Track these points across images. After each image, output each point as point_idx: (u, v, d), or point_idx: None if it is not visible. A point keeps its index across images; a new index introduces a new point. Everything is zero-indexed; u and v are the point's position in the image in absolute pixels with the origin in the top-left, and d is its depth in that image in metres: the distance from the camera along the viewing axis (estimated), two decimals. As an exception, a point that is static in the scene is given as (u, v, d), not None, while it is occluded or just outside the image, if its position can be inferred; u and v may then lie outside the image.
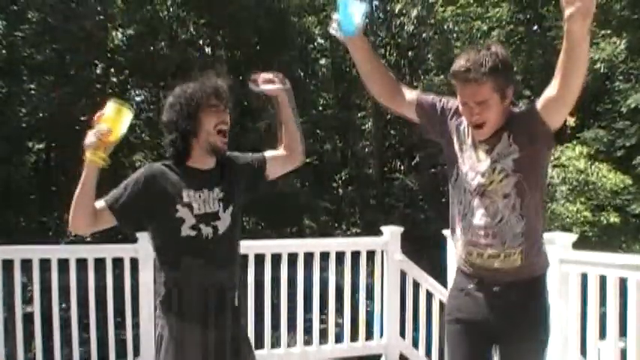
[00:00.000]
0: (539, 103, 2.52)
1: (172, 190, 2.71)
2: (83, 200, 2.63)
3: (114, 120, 2.61)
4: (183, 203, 2.69)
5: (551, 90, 2.45)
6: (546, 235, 3.00)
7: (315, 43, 20.96)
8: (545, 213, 2.77)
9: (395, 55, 21.14)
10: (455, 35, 17.86)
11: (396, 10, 19.14)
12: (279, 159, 2.99)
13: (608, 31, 13.29)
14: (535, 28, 16.03)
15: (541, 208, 2.70)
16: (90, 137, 2.57)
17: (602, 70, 12.76)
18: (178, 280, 2.70)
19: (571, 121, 11.04)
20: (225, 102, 2.77)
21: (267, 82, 2.83)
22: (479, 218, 2.63)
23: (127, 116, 2.64)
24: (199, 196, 2.71)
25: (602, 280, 4.01)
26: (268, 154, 2.99)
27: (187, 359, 2.65)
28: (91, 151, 2.57)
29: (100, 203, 2.70)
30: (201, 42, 17.41)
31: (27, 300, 5.17)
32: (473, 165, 2.64)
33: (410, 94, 2.81)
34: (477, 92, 2.49)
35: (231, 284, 2.76)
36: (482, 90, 2.48)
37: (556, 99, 2.44)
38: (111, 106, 2.62)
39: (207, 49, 17.72)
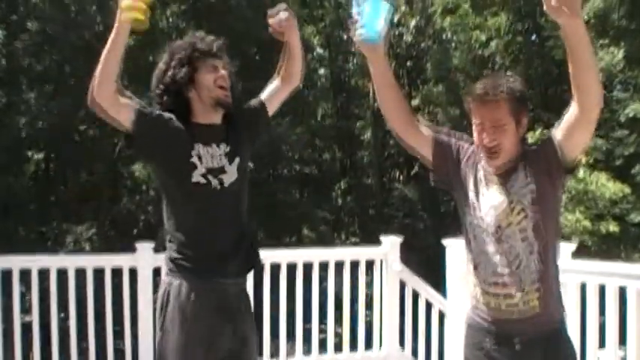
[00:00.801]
0: (558, 130, 2.42)
1: (187, 137, 2.71)
2: (112, 62, 2.55)
3: None
4: (195, 152, 2.70)
5: (569, 110, 2.36)
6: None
7: (314, 53, 21.05)
8: (558, 253, 2.59)
9: (394, 65, 21.16)
10: (453, 45, 17.93)
11: (395, 20, 19.21)
12: (275, 93, 3.00)
13: (606, 41, 13.34)
14: (533, 37, 16.10)
15: (556, 246, 2.55)
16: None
17: (600, 80, 12.80)
18: (187, 231, 2.70)
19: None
20: (221, 59, 2.78)
21: (279, 25, 2.82)
22: (496, 265, 2.48)
23: None
24: (207, 151, 2.72)
25: (602, 289, 4.01)
26: (264, 95, 2.98)
27: (196, 322, 2.64)
28: (128, 10, 2.48)
29: (126, 99, 2.66)
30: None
31: (26, 309, 5.16)
32: (489, 206, 2.50)
33: (425, 128, 2.67)
34: (494, 112, 2.41)
35: (238, 236, 2.76)
36: (499, 110, 2.41)
37: (575, 115, 2.33)
38: None
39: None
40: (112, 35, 2.56)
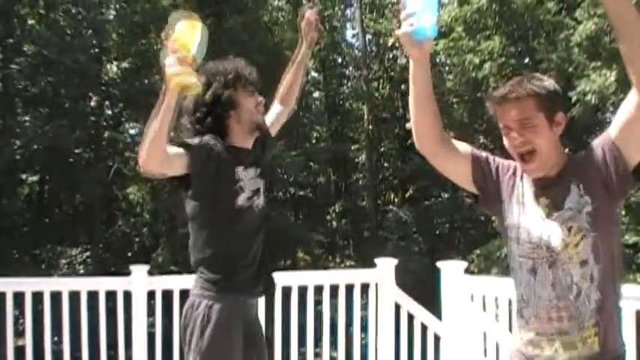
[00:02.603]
0: (613, 126, 2.07)
1: (231, 161, 2.73)
2: (163, 129, 2.43)
3: (184, 35, 2.37)
4: (238, 177, 2.74)
5: (626, 100, 2.04)
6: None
7: (309, 77, 21.15)
8: (620, 279, 2.19)
9: (388, 88, 21.32)
10: (447, 68, 18.05)
11: (389, 44, 19.35)
12: (277, 118, 3.09)
13: (599, 63, 13.45)
14: (527, 60, 16.20)
15: (618, 271, 2.15)
16: (169, 60, 2.35)
17: (593, 102, 12.89)
18: (228, 252, 2.73)
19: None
20: (255, 85, 2.83)
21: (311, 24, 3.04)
22: (548, 297, 2.09)
23: (198, 28, 2.41)
24: (246, 175, 2.76)
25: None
26: (269, 119, 3.03)
27: (234, 339, 2.69)
28: (175, 74, 2.32)
29: (172, 148, 2.56)
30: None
31: (19, 333, 5.13)
32: (539, 228, 2.12)
33: (461, 144, 2.29)
34: (517, 109, 2.09)
35: (263, 256, 2.86)
36: (524, 106, 2.09)
37: (635, 100, 1.98)
38: (178, 23, 2.40)
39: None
40: (165, 103, 2.42)
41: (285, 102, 3.10)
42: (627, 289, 4.22)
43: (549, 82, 2.16)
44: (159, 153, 2.48)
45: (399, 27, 2.06)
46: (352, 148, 21.09)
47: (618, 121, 2.05)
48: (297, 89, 3.13)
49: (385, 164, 21.72)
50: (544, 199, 2.13)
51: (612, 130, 2.06)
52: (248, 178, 2.76)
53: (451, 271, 4.59)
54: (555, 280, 2.08)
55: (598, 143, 2.10)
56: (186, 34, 2.38)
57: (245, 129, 2.79)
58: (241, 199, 2.72)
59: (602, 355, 2.06)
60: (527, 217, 2.14)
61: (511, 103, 2.10)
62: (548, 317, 2.09)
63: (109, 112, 17.24)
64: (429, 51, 2.14)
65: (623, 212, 12.70)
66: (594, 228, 2.05)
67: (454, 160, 2.27)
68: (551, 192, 2.12)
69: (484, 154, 2.29)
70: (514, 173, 2.22)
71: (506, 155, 2.23)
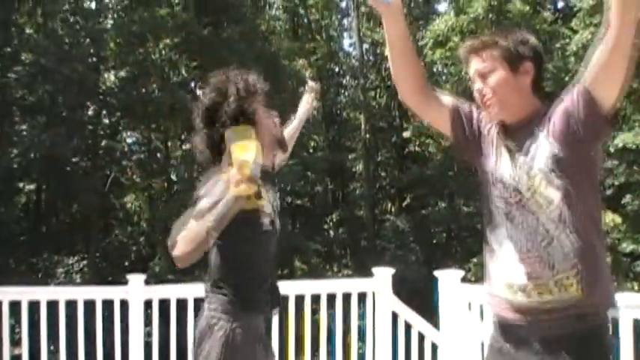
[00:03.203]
0: (587, 74, 2.05)
1: None
2: (213, 236, 2.41)
3: (245, 152, 2.41)
4: (262, 196, 2.63)
5: (601, 48, 2.00)
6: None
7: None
8: (602, 226, 2.23)
9: (385, 97, 21.37)
10: (444, 77, 18.11)
11: (386, 53, 19.41)
12: (292, 136, 3.37)
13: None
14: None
15: (597, 219, 2.17)
16: (237, 180, 2.36)
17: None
18: (248, 272, 2.66)
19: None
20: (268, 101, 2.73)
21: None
22: (519, 240, 2.13)
23: (255, 146, 2.44)
24: (267, 195, 2.66)
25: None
26: (287, 136, 3.13)
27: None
28: (247, 195, 2.37)
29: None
30: (192, 84, 17.60)
31: (15, 342, 5.11)
32: (508, 175, 2.16)
33: (444, 95, 2.37)
34: (481, 59, 2.20)
35: (275, 272, 2.83)
36: (485, 55, 2.20)
37: (610, 43, 1.96)
38: (237, 140, 2.44)
39: (199, 92, 17.88)
40: (221, 215, 2.41)
41: (298, 122, 3.42)
42: (624, 298, 4.22)
43: (517, 34, 2.23)
44: (201, 255, 2.46)
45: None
46: (349, 157, 21.13)
47: (591, 67, 2.05)
48: (295, 138, 3.40)
49: (382, 173, 21.75)
50: (511, 144, 2.18)
51: (585, 77, 2.07)
52: (268, 199, 2.66)
53: (448, 279, 4.59)
54: (527, 224, 2.12)
55: (570, 92, 2.11)
56: (247, 152, 2.42)
57: (265, 147, 2.63)
58: (265, 219, 2.63)
59: (584, 304, 2.05)
60: (501, 164, 2.20)
61: (476, 54, 2.21)
62: (519, 260, 2.12)
63: (107, 120, 17.26)
64: (399, 8, 2.20)
65: (620, 220, 12.72)
66: (562, 171, 2.07)
67: (436, 113, 2.35)
68: (517, 137, 2.17)
69: (467, 108, 2.33)
70: (490, 123, 2.28)
71: None
